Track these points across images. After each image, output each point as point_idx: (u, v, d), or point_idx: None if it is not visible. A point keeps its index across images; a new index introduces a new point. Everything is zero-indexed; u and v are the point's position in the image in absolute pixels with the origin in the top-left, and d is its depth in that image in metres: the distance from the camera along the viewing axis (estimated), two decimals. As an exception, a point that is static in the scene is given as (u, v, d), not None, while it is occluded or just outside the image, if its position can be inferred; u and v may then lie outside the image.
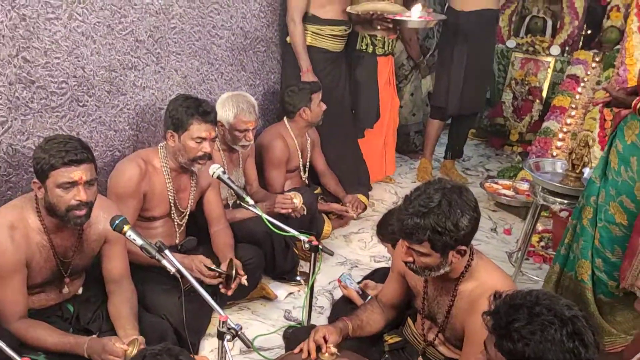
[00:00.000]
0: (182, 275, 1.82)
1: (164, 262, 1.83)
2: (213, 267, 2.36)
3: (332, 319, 2.39)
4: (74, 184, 1.87)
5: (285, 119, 3.39)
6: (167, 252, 1.86)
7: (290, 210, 2.92)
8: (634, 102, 2.07)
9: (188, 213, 2.59)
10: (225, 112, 2.85)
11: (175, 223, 2.56)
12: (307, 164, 3.53)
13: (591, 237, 2.31)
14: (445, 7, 4.26)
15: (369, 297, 2.35)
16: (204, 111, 2.39)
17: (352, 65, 3.95)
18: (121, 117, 2.70)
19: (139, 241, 1.87)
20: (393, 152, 4.52)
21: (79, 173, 1.87)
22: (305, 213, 3.00)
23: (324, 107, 3.35)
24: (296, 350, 1.86)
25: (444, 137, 4.78)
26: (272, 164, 3.29)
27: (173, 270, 1.82)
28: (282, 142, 3.30)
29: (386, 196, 4.24)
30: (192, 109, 2.38)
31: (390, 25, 3.83)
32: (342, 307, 2.42)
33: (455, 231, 1.59)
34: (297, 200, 2.94)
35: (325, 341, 1.82)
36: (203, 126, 2.39)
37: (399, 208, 1.69)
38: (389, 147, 4.42)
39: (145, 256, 2.18)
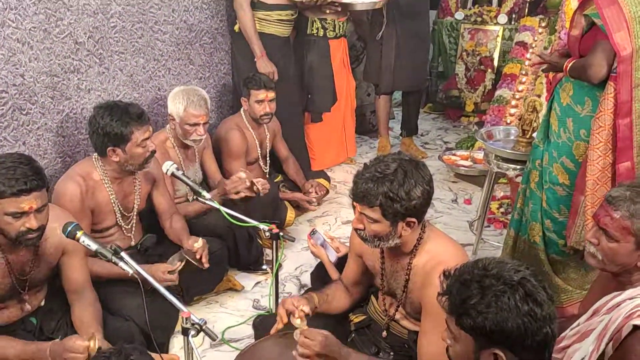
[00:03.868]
0: (141, 276, 1.82)
1: (121, 264, 1.82)
2: (174, 267, 2.37)
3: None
4: (23, 213, 1.81)
5: (241, 109, 3.37)
6: (123, 254, 1.85)
7: (242, 189, 2.80)
8: (564, 64, 2.13)
9: (135, 214, 2.55)
10: (175, 105, 2.83)
11: (124, 228, 2.52)
12: (267, 155, 3.50)
13: (539, 199, 2.37)
14: None
15: (335, 255, 2.38)
16: (137, 114, 2.35)
17: (305, 50, 3.94)
18: (68, 123, 2.65)
19: (94, 246, 1.86)
20: (353, 134, 4.55)
21: (29, 202, 1.80)
22: (267, 190, 2.94)
23: (267, 109, 3.24)
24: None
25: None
26: (230, 156, 3.27)
27: (131, 272, 1.82)
28: (239, 133, 3.27)
29: (349, 178, 4.23)
30: (125, 117, 2.31)
31: (339, 9, 3.84)
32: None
33: (406, 200, 1.64)
34: (244, 174, 2.84)
35: (296, 307, 1.82)
36: (143, 128, 2.35)
37: (356, 173, 1.73)
38: (348, 129, 4.44)
39: (110, 273, 2.24)
